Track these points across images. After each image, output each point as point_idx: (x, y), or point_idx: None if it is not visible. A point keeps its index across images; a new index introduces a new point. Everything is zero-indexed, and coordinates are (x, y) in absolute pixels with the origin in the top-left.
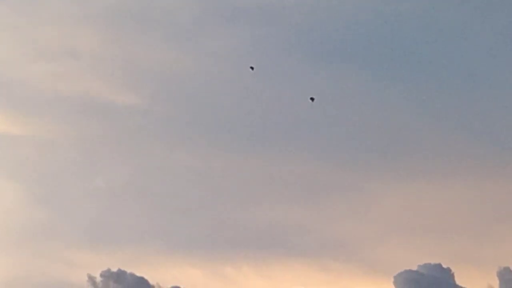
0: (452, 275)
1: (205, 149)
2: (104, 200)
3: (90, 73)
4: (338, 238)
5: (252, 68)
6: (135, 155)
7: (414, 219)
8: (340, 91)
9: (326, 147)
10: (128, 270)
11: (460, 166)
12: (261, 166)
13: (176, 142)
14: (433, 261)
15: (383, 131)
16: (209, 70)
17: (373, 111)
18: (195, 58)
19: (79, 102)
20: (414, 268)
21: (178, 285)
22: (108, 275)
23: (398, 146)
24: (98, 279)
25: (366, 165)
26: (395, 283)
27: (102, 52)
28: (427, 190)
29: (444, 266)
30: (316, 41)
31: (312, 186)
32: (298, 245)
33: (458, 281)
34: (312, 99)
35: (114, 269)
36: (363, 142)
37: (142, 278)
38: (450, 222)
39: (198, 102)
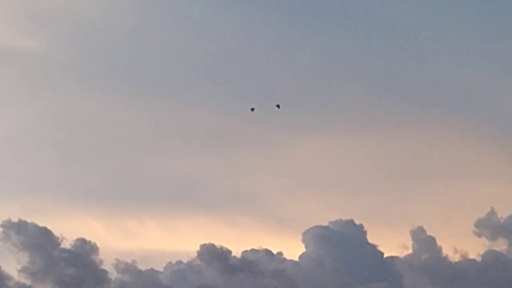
0: (365, 232)
1: (107, 97)
2: (2, 147)
3: None
4: (246, 192)
5: (252, 109)
6: (34, 101)
7: (326, 174)
8: (250, 42)
9: (235, 98)
10: (29, 220)
11: (375, 121)
12: (166, 115)
13: (77, 89)
14: (345, 217)
15: (293, 82)
16: (112, 14)
17: (282, 62)
18: (96, 1)
19: None
20: (325, 224)
21: (82, 236)
22: (8, 226)
23: (310, 97)
24: None
25: (276, 117)
26: (303, 239)
27: None
28: (341, 144)
29: (357, 222)
30: None
31: (219, 137)
32: (204, 198)
33: (370, 239)
34: (278, 106)
35: (15, 219)
36: (273, 93)
37: (45, 228)
38: (364, 178)
39: (101, 48)
